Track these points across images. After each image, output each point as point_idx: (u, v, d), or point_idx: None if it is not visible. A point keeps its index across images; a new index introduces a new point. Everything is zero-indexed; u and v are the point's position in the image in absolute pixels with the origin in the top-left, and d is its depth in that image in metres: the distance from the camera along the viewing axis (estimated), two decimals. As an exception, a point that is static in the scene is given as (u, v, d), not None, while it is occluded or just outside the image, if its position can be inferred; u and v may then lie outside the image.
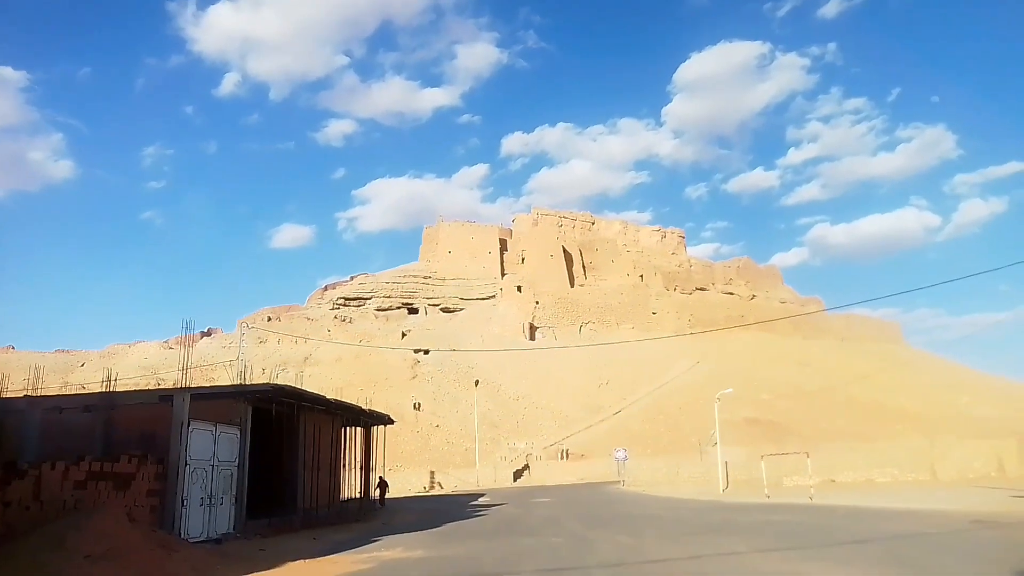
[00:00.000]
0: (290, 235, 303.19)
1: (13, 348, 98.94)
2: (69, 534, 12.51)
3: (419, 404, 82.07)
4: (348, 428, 32.50)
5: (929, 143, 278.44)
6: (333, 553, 16.56)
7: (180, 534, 17.89)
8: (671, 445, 69.23)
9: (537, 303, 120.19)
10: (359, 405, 29.52)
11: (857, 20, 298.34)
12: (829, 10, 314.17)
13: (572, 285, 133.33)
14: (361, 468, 32.51)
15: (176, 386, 22.18)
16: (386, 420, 33.73)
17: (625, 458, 49.81)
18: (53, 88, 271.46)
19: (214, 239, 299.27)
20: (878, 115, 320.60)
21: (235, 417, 21.55)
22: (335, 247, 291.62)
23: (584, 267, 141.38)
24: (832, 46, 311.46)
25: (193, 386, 22.76)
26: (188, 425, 18.75)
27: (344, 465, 32.51)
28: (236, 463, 21.22)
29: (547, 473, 60.45)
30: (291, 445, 24.92)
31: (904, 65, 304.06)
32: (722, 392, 43.64)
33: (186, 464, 18.57)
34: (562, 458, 64.98)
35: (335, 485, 28.27)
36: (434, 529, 22.51)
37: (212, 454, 19.92)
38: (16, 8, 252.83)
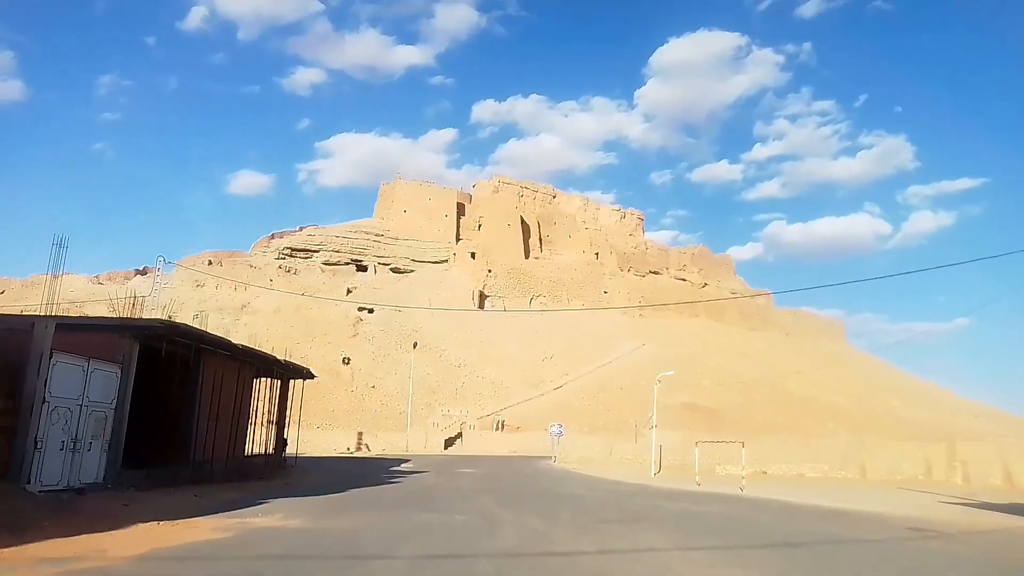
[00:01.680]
0: (247, 182, 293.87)
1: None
2: None
3: (348, 359, 79.62)
4: (262, 379, 30.16)
5: (888, 152, 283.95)
6: (203, 516, 14.43)
7: (30, 480, 15.50)
8: (609, 425, 68.52)
9: (490, 271, 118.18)
10: (273, 355, 27.13)
11: (834, 22, 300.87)
12: (808, 9, 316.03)
13: (527, 256, 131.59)
14: (273, 423, 30.14)
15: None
16: (305, 373, 31.42)
17: (560, 434, 48.52)
18: (6, 2, 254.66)
19: (167, 178, 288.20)
20: (844, 119, 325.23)
21: (118, 354, 19.05)
22: (294, 199, 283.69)
23: (541, 240, 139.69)
24: (807, 46, 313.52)
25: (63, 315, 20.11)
26: (51, 357, 16.22)
27: (254, 419, 30.24)
28: (113, 405, 18.75)
29: (480, 443, 58.98)
30: (187, 391, 22.50)
31: (874, 72, 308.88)
32: (663, 374, 42.45)
33: (44, 401, 16.07)
34: (497, 429, 63.59)
35: (239, 439, 25.95)
36: (334, 495, 20.52)
37: (81, 393, 17.42)
38: None
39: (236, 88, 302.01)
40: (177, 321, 20.43)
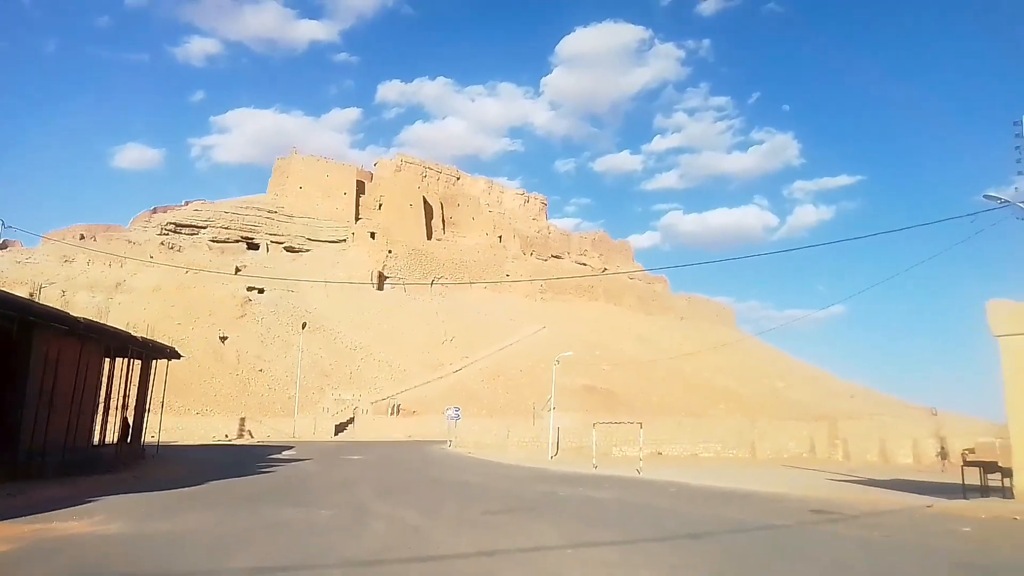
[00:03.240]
0: (135, 155, 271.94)
1: None
2: None
3: (225, 337, 74.93)
4: (119, 360, 26.68)
5: (777, 148, 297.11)
6: (3, 519, 11.66)
7: None
8: (508, 408, 67.51)
9: (390, 252, 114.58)
10: (127, 331, 23.84)
11: (732, 21, 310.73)
12: (708, 7, 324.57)
13: (429, 238, 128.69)
14: (124, 408, 26.67)
15: None
16: (169, 353, 28.10)
17: (457, 417, 46.85)
18: None
19: (42, 148, 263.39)
20: (738, 115, 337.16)
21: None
22: (186, 175, 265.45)
23: (444, 221, 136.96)
24: (707, 42, 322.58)
25: None
26: None
27: (112, 404, 26.78)
28: (-97, 388, 15.42)
29: (373, 428, 56.48)
30: (11, 372, 19.16)
31: (766, 71, 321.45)
32: (562, 355, 41.46)
33: None
34: (392, 413, 61.23)
35: (82, 427, 22.60)
36: (185, 489, 17.91)
37: None
38: None
39: (123, 55, 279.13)
40: (-10, 288, 17.07)
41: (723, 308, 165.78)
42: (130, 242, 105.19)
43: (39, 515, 12.51)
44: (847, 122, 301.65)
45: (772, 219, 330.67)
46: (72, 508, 13.62)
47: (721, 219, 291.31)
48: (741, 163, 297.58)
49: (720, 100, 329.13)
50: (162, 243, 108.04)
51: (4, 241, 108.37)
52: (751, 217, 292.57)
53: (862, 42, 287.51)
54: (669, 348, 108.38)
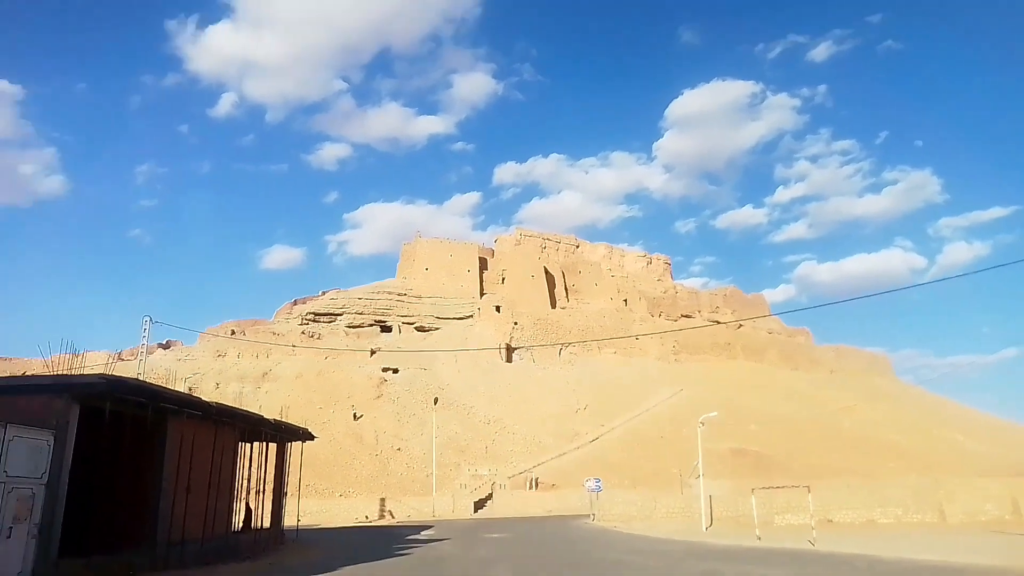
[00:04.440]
0: (280, 256, 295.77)
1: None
2: None
3: (360, 415, 76.08)
4: (255, 444, 26.75)
5: (914, 186, 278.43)
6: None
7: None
8: (650, 476, 63.51)
9: (516, 324, 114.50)
10: (259, 414, 23.78)
11: (847, 63, 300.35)
12: (819, 53, 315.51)
13: (553, 307, 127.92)
14: (247, 493, 26.29)
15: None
16: (302, 434, 27.91)
17: (598, 489, 44.03)
18: (48, 102, 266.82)
19: (203, 258, 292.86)
20: (865, 157, 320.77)
21: (52, 419, 15.91)
22: (325, 270, 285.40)
23: (567, 289, 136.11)
24: (822, 88, 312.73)
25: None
26: (-56, 424, 13.12)
27: (250, 488, 26.72)
28: (43, 480, 15.48)
29: (512, 504, 54.39)
30: (148, 460, 19.21)
31: (892, 109, 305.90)
32: (706, 416, 38.19)
33: (-68, 480, 12.89)
34: (531, 487, 58.96)
35: (221, 513, 22.41)
36: (318, 576, 16.82)
37: (-7, 467, 14.22)
38: (13, 21, 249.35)
39: (266, 166, 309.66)
40: (122, 375, 17.22)
41: (877, 358, 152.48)
42: (274, 333, 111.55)
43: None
44: (990, 151, 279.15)
45: (919, 260, 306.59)
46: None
47: (860, 265, 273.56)
48: (876, 205, 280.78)
49: (844, 144, 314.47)
50: (303, 332, 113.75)
51: (168, 341, 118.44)
52: (895, 260, 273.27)
53: (991, 66, 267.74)
54: (822, 404, 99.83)
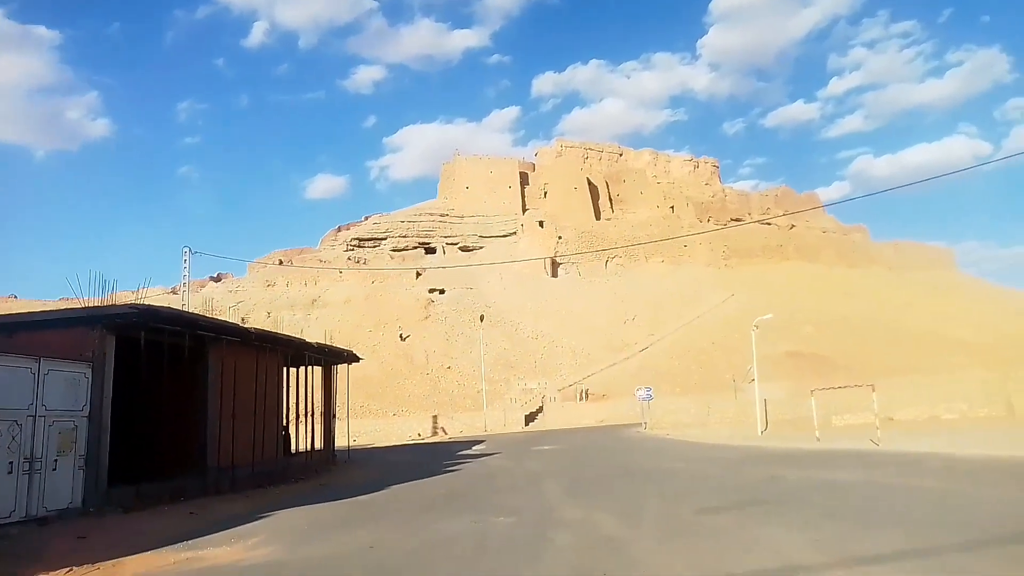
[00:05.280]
0: (324, 185, 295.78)
1: (15, 297, 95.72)
2: None
3: (406, 336, 76.89)
4: (299, 368, 26.68)
5: (981, 66, 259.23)
6: (153, 549, 10.67)
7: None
8: (702, 383, 62.93)
9: (560, 238, 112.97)
10: (301, 338, 23.51)
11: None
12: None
13: (598, 219, 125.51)
14: (306, 416, 26.36)
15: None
16: (347, 357, 27.75)
17: (649, 397, 43.55)
18: (85, 45, 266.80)
19: (249, 192, 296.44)
20: (927, 39, 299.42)
21: (86, 351, 15.68)
22: (368, 196, 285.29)
23: (611, 200, 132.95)
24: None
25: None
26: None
27: (301, 412, 26.87)
28: (85, 413, 15.38)
29: (563, 415, 54.67)
30: (192, 388, 19.11)
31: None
32: (760, 319, 36.84)
33: (-38, 415, 12.74)
34: (581, 399, 59.11)
35: (269, 437, 22.49)
36: (365, 496, 16.65)
37: (31, 401, 14.04)
38: None
39: (303, 95, 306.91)
40: (153, 304, 16.81)
41: (939, 252, 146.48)
42: (321, 260, 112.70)
43: (200, 539, 11.44)
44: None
45: (984, 147, 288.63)
46: (238, 528, 12.53)
47: (921, 156, 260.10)
48: (938, 91, 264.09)
49: (904, 25, 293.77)
50: (348, 258, 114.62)
51: (219, 275, 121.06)
52: (957, 148, 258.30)
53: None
54: (882, 301, 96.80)
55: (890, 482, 13.55)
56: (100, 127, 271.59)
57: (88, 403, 15.51)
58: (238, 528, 12.57)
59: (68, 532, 12.83)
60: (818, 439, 25.51)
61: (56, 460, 14.54)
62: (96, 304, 16.85)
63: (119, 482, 16.38)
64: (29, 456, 13.89)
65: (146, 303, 16.71)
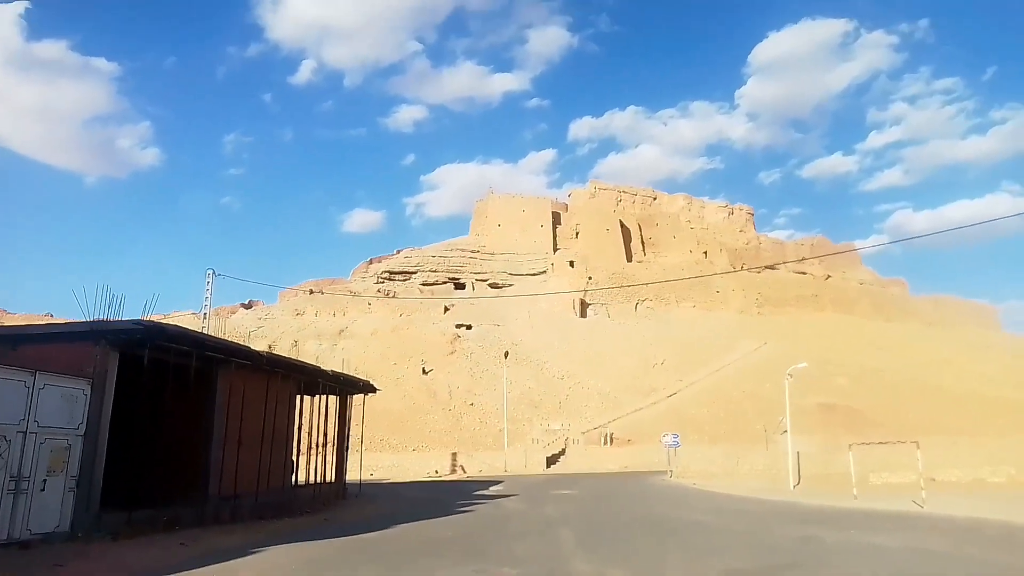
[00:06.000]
0: (361, 220, 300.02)
1: (51, 316, 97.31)
2: None
3: (429, 369, 75.96)
4: (315, 397, 25.95)
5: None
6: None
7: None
8: (731, 433, 60.83)
9: (590, 278, 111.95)
10: (316, 365, 22.79)
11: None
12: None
13: (629, 261, 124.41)
14: (298, 447, 25.32)
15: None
16: (363, 387, 26.94)
17: (676, 444, 41.98)
18: (142, 77, 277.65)
19: (288, 223, 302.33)
20: (970, 95, 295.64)
21: (87, 367, 15.10)
22: (403, 231, 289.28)
23: (643, 243, 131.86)
24: (924, 22, 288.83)
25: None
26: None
27: (311, 442, 26.04)
28: (80, 431, 14.73)
29: (586, 459, 53.01)
30: (199, 411, 18.43)
31: (1001, 42, 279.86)
32: (795, 367, 35.33)
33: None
34: (606, 443, 57.38)
35: (276, 466, 21.62)
36: (372, 533, 15.67)
37: (22, 416, 13.44)
38: (108, 1, 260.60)
39: (345, 131, 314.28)
40: (159, 321, 16.24)
41: (982, 309, 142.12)
42: (351, 292, 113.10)
43: (183, 573, 10.56)
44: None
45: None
46: (228, 563, 11.66)
47: (962, 212, 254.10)
48: (980, 147, 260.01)
49: (947, 82, 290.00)
50: (378, 290, 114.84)
51: (250, 301, 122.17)
52: (1001, 206, 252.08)
53: None
54: (919, 357, 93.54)
55: (942, 549, 12.19)
56: (149, 156, 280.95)
57: (85, 421, 14.87)
58: (228, 563, 11.68)
59: (48, 559, 12.06)
60: (855, 497, 23.95)
61: (45, 480, 13.84)
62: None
63: (112, 506, 15.61)
64: (16, 475, 13.23)
65: (150, 319, 16.12)
